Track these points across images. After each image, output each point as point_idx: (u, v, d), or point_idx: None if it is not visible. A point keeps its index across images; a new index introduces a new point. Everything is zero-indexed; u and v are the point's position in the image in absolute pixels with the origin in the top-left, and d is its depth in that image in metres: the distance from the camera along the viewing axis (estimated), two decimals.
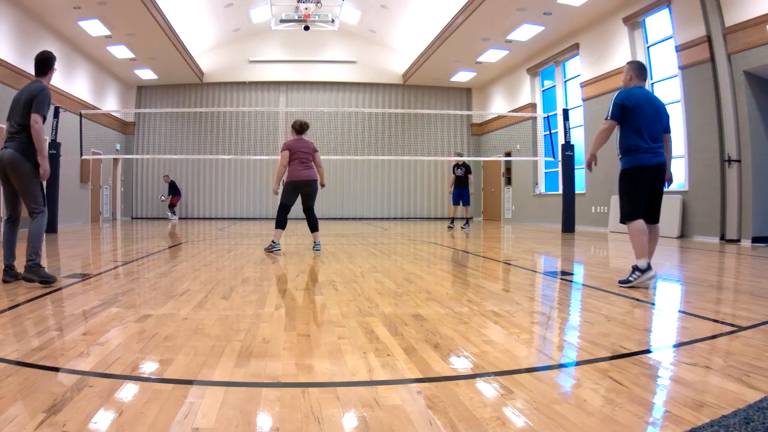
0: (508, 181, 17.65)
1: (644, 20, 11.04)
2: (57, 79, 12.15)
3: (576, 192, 11.62)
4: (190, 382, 1.92)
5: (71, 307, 3.26)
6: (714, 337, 2.62)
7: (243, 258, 6.28)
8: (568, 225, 11.34)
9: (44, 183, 4.23)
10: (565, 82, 14.72)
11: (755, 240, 8.46)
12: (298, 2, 13.65)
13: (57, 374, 1.99)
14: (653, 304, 3.56)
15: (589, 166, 4.51)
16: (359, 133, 18.94)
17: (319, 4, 13.57)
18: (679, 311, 3.39)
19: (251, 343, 2.46)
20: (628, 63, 4.51)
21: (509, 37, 13.79)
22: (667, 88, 10.50)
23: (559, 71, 14.78)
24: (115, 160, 17.59)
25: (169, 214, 17.76)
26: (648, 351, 2.42)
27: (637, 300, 3.61)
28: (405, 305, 3.43)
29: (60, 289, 3.90)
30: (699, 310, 3.28)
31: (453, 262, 6.43)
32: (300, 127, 6.83)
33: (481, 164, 19.09)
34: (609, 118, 4.22)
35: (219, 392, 1.82)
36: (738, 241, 8.66)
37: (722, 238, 8.95)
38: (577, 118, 13.17)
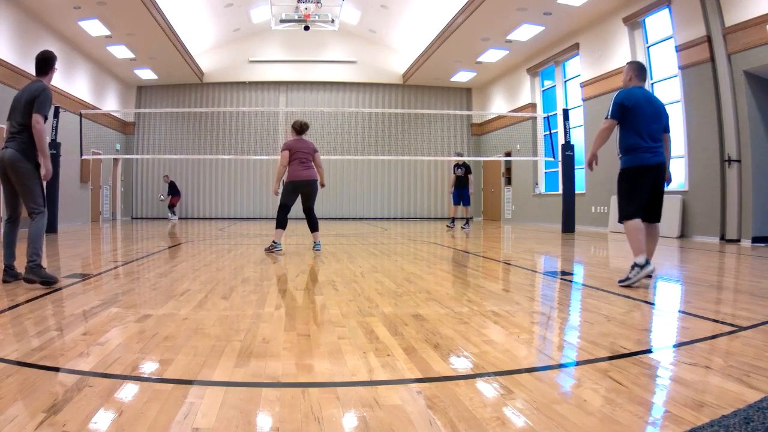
0: (508, 181, 17.66)
1: (644, 20, 11.04)
2: (57, 79, 12.14)
3: (576, 192, 11.63)
4: (190, 382, 1.92)
5: (71, 307, 3.26)
6: (714, 337, 2.62)
7: (243, 258, 6.28)
8: (568, 225, 11.34)
9: (44, 183, 4.23)
10: (565, 82, 14.72)
11: (755, 240, 8.46)
12: (298, 2, 13.65)
13: (57, 374, 1.99)
14: (653, 304, 3.56)
15: (590, 166, 4.52)
16: (359, 133, 18.94)
17: (319, 4, 13.57)
18: (679, 311, 3.38)
19: (251, 343, 2.46)
20: (627, 63, 4.53)
21: (509, 37, 13.79)
22: (667, 88, 10.50)
23: (559, 71, 14.78)
24: (115, 160, 17.59)
25: (169, 214, 17.77)
26: (648, 351, 2.42)
27: (637, 300, 3.61)
28: (405, 305, 3.43)
29: (60, 289, 3.90)
30: (699, 310, 3.28)
31: (453, 262, 6.42)
32: (300, 128, 6.83)
33: (481, 164, 19.09)
34: (609, 117, 4.25)
35: (219, 392, 1.82)
36: (738, 241, 8.66)
37: (722, 238, 8.95)
38: (577, 118, 13.17)
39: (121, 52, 14.49)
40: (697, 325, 2.87)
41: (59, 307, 3.31)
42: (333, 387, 1.90)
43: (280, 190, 6.94)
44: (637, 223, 4.13)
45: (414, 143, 19.09)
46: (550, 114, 14.15)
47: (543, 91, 15.84)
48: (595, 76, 12.38)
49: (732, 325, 2.83)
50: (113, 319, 2.92)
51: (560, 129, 12.22)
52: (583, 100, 12.96)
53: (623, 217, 4.23)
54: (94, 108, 14.84)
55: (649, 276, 4.20)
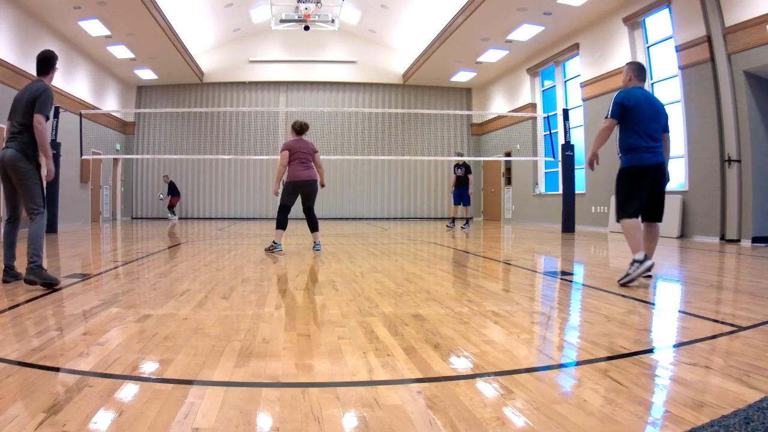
0: (508, 181, 17.66)
1: (644, 20, 11.04)
2: (57, 79, 12.10)
3: (576, 192, 11.63)
4: (190, 382, 1.92)
5: (71, 307, 3.26)
6: (714, 337, 2.62)
7: (243, 258, 6.28)
8: (568, 225, 11.34)
9: (45, 183, 4.23)
10: (565, 82, 14.72)
11: (755, 240, 8.46)
12: (298, 2, 13.65)
13: (57, 374, 1.99)
14: (653, 304, 3.56)
15: (590, 165, 4.53)
16: (359, 133, 18.94)
17: (319, 4, 13.58)
18: (679, 311, 3.39)
19: (251, 343, 2.46)
20: (627, 64, 4.54)
21: (509, 37, 13.79)
22: (667, 88, 10.50)
23: (559, 71, 14.78)
24: (115, 160, 17.59)
25: (169, 214, 17.77)
26: (648, 351, 2.42)
27: (637, 300, 3.61)
28: (405, 305, 3.43)
29: (60, 289, 3.90)
30: (699, 310, 3.29)
31: (453, 262, 6.42)
32: (300, 128, 6.83)
33: (481, 164, 19.09)
34: (609, 116, 4.27)
35: (219, 392, 1.82)
36: (738, 241, 8.66)
37: (722, 238, 8.95)
38: (577, 118, 13.17)
39: (121, 52, 14.49)
40: (697, 325, 2.87)
41: (59, 307, 3.31)
42: (333, 387, 1.90)
43: (280, 191, 6.94)
44: (634, 222, 4.15)
45: (414, 143, 19.09)
46: (550, 114, 14.15)
47: (543, 91, 15.84)
48: (595, 76, 12.38)
49: (732, 325, 2.83)
50: (113, 319, 2.92)
51: (560, 129, 12.22)
52: (583, 100, 12.96)
53: (621, 216, 4.24)
54: (94, 108, 14.84)
55: (649, 276, 4.20)
